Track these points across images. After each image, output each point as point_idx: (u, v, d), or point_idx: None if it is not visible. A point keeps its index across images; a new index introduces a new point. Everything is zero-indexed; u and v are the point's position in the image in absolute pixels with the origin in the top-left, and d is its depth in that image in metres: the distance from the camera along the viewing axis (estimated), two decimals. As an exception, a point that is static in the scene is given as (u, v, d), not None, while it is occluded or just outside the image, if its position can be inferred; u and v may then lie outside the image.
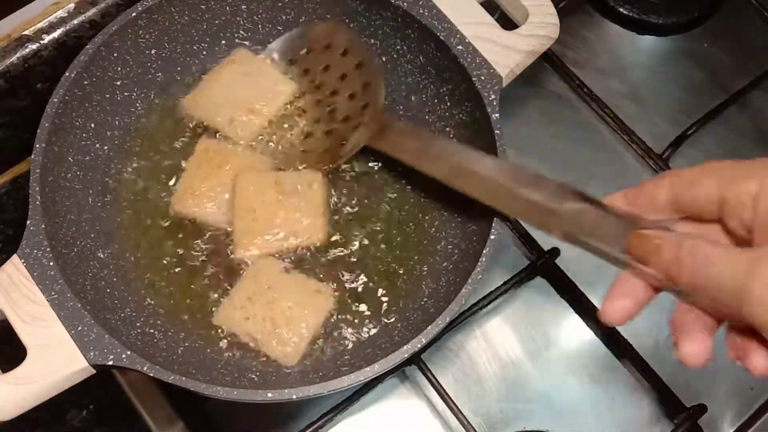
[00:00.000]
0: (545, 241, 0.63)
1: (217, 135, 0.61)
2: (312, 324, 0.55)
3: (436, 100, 0.61)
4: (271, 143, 0.61)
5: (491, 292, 0.60)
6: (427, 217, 0.60)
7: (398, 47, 0.62)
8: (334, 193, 0.60)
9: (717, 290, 0.36)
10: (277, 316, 0.55)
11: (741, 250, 0.37)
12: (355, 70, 0.60)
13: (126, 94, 0.60)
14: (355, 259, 0.58)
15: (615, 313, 0.42)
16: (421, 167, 0.54)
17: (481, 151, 0.52)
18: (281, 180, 0.58)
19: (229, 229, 0.58)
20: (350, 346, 0.56)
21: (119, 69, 0.59)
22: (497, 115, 0.55)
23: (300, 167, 0.60)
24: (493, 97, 0.56)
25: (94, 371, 0.50)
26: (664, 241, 0.40)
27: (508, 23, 0.59)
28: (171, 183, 0.60)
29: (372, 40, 0.62)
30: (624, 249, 0.42)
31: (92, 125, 0.58)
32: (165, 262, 0.58)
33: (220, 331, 0.56)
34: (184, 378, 0.48)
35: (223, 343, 0.56)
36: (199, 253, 0.58)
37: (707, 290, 0.37)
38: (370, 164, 0.61)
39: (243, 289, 0.56)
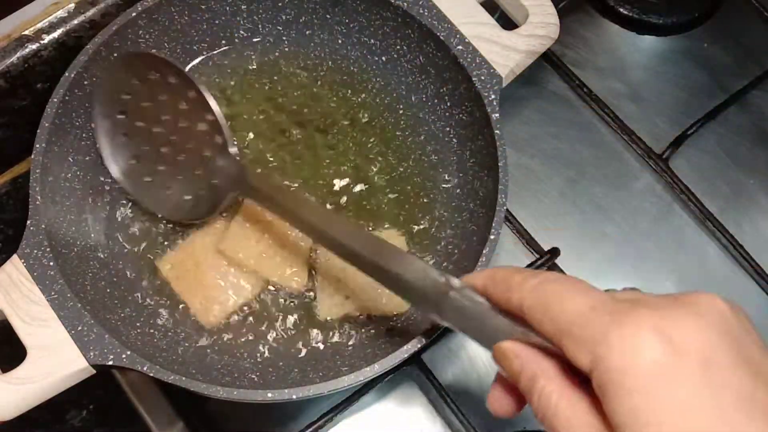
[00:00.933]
0: (545, 241, 0.63)
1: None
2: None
3: (436, 100, 0.62)
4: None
5: (491, 292, 0.60)
6: (427, 218, 0.60)
7: (398, 47, 0.62)
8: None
9: None
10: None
11: (593, 417, 0.34)
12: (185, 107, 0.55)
13: (126, 94, 0.60)
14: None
15: (497, 409, 0.41)
16: (290, 222, 0.52)
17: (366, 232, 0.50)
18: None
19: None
20: (350, 346, 0.56)
21: (119, 69, 0.59)
22: (497, 115, 0.55)
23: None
24: (493, 97, 0.56)
25: (94, 371, 0.50)
26: (522, 367, 0.37)
27: (508, 23, 0.59)
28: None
29: (372, 40, 0.62)
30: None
31: (92, 125, 0.58)
32: (165, 262, 0.58)
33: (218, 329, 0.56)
34: (184, 378, 0.48)
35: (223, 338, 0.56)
36: (199, 253, 0.58)
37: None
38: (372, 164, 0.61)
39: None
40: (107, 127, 0.57)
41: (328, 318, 0.57)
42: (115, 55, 0.57)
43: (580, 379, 0.35)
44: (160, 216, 0.59)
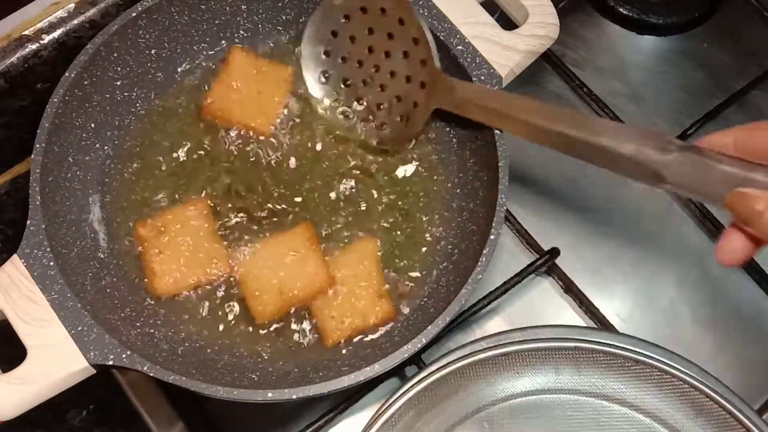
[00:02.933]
0: (545, 241, 0.63)
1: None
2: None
3: (436, 100, 0.62)
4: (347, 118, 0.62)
5: (491, 292, 0.60)
6: (426, 218, 0.60)
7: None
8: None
9: None
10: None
11: None
12: (400, 27, 0.57)
13: (126, 94, 0.60)
14: (355, 259, 0.58)
15: (725, 255, 0.43)
16: (502, 127, 0.54)
17: (569, 109, 0.52)
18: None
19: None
20: (350, 346, 0.56)
21: (119, 69, 0.59)
22: (497, 115, 0.55)
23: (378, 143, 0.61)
24: (493, 97, 0.56)
25: (94, 371, 0.50)
26: (766, 206, 0.39)
27: (508, 23, 0.59)
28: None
29: (372, 40, 0.62)
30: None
31: (92, 125, 0.58)
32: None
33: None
34: (184, 378, 0.48)
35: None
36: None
37: None
38: (372, 166, 0.61)
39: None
40: (319, 52, 0.62)
41: (335, 341, 0.56)
42: None
43: None
44: (374, 143, 0.61)
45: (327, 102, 0.63)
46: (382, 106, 0.61)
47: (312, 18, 0.61)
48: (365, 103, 0.61)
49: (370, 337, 0.56)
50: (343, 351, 0.56)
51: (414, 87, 0.58)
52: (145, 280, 0.57)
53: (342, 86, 0.62)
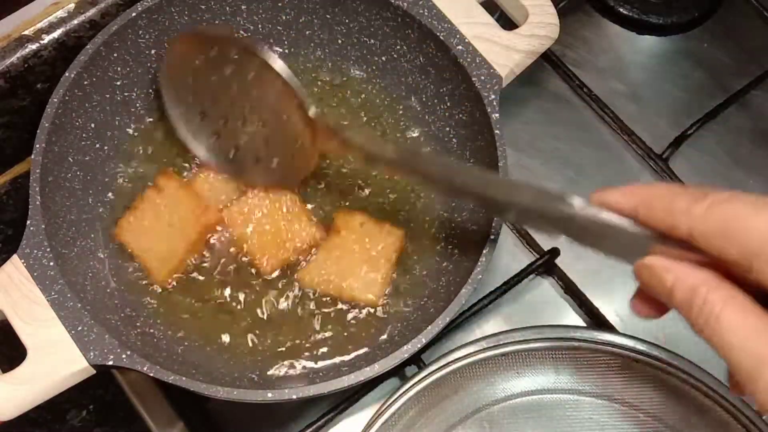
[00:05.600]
0: (545, 241, 0.63)
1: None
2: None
3: (436, 100, 0.61)
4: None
5: (491, 292, 0.60)
6: (427, 218, 0.60)
7: (398, 47, 0.61)
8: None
9: (729, 356, 0.34)
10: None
11: (761, 322, 0.33)
12: (262, 71, 0.53)
13: (126, 94, 0.60)
14: (355, 259, 0.58)
15: (641, 313, 0.41)
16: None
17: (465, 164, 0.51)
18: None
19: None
20: (350, 346, 0.56)
21: (119, 69, 0.59)
22: (497, 115, 0.55)
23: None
24: (493, 97, 0.56)
25: (94, 371, 0.50)
26: (676, 281, 0.36)
27: (508, 23, 0.59)
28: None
29: (372, 40, 0.62)
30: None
31: (92, 125, 0.58)
32: (165, 262, 0.58)
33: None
34: (184, 378, 0.48)
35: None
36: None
37: (719, 350, 0.34)
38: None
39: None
40: (181, 112, 0.59)
41: (307, 289, 0.57)
42: (168, 41, 0.59)
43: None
44: (257, 185, 0.58)
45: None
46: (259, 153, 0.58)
47: (162, 82, 0.59)
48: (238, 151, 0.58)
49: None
50: (346, 349, 0.56)
51: (292, 128, 0.55)
52: (145, 273, 0.57)
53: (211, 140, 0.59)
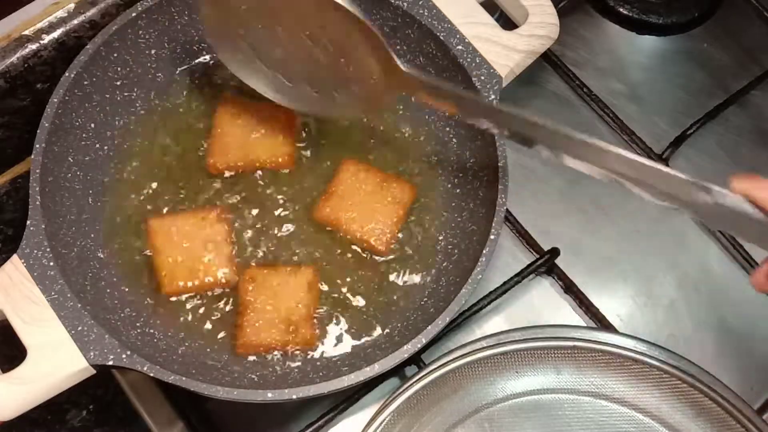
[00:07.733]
0: (545, 241, 0.63)
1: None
2: None
3: (436, 100, 0.61)
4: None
5: (491, 292, 0.60)
6: (427, 217, 0.60)
7: (398, 47, 0.61)
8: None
9: None
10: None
11: None
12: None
13: (126, 94, 0.60)
14: (355, 259, 0.58)
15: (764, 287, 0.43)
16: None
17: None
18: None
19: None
20: (350, 346, 0.56)
21: (119, 69, 0.59)
22: (497, 115, 0.55)
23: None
24: (493, 97, 0.56)
25: (94, 371, 0.50)
26: None
27: (508, 23, 0.59)
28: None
29: (372, 40, 0.62)
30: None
31: (92, 125, 0.58)
32: (165, 262, 0.58)
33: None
34: (184, 378, 0.49)
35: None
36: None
37: None
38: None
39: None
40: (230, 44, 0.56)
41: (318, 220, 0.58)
42: None
43: None
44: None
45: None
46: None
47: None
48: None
49: (367, 339, 0.56)
50: (346, 349, 0.56)
51: (367, 67, 0.53)
52: (152, 279, 0.57)
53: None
